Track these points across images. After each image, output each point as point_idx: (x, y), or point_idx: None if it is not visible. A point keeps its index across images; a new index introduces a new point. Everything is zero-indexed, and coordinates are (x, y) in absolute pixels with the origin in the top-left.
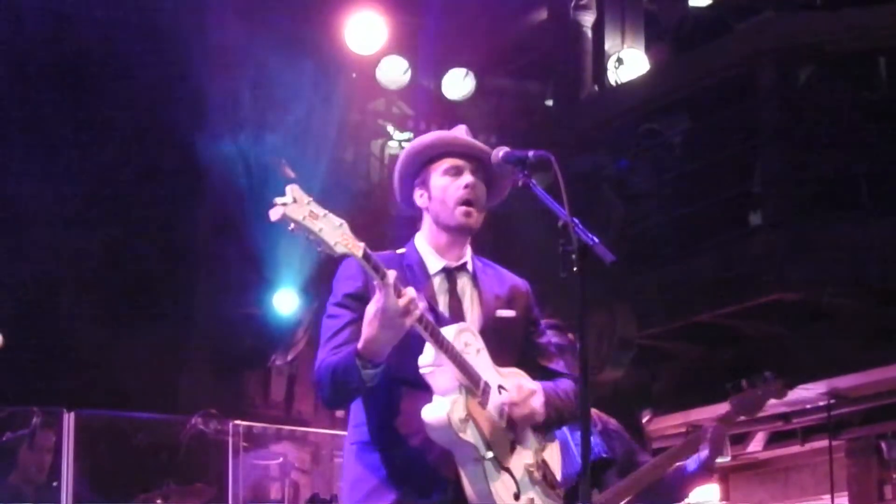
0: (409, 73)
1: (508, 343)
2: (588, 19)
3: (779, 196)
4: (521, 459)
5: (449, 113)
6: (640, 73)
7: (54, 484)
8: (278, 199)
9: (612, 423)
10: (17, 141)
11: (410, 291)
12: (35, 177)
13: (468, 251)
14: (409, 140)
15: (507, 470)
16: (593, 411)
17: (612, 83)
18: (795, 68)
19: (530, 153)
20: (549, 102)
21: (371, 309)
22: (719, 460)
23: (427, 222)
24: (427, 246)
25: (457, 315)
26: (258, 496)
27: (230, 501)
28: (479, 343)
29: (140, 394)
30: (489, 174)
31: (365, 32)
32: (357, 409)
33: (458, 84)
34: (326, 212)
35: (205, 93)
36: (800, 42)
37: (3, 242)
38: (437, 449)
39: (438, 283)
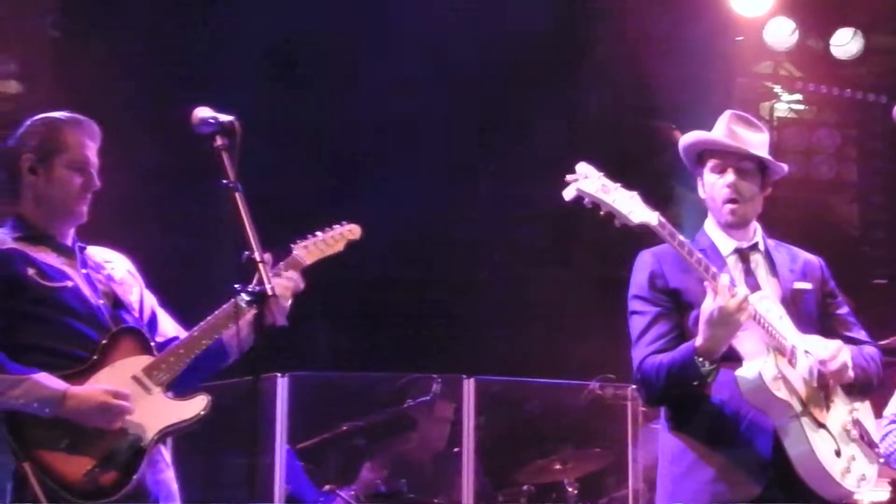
0: (796, 34)
1: (806, 314)
2: None
3: None
4: (837, 418)
5: (837, 73)
6: None
7: (455, 450)
8: (569, 177)
9: None
10: None
11: (742, 290)
12: None
13: (758, 231)
14: (798, 101)
15: (825, 427)
16: None
17: None
18: None
19: None
20: None
21: (707, 307)
22: None
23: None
24: (717, 229)
25: (754, 290)
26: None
27: (630, 467)
28: (780, 310)
29: (535, 360)
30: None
31: None
32: None
33: (846, 44)
34: (618, 185)
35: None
36: None
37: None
38: (751, 415)
39: (733, 262)
